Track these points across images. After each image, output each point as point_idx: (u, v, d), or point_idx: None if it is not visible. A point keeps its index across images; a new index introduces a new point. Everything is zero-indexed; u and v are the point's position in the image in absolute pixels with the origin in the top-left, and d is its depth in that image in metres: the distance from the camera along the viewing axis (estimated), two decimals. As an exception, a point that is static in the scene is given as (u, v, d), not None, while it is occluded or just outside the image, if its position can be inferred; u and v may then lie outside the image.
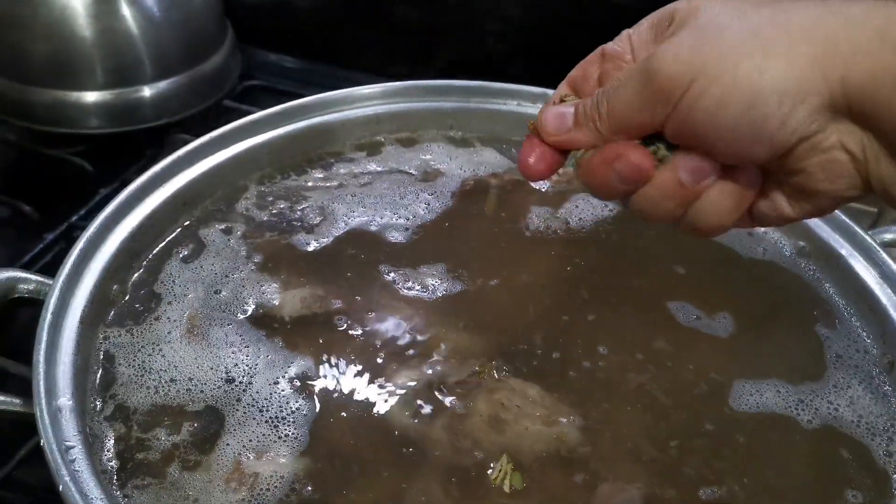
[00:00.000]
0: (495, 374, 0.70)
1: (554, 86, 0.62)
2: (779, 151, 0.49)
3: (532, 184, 0.92)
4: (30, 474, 0.80)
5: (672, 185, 0.51)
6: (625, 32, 0.58)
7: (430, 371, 0.70)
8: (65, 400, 0.60)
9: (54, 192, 1.15)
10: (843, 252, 0.82)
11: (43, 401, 0.58)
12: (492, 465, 0.63)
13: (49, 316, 0.64)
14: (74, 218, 1.07)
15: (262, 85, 1.37)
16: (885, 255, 0.80)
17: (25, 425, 0.84)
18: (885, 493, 0.65)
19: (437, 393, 0.69)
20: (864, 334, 0.77)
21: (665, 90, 0.48)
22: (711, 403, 0.70)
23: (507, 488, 0.62)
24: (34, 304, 0.96)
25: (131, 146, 1.19)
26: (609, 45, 0.58)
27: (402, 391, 0.69)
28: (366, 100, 0.96)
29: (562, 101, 0.58)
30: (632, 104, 0.51)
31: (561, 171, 0.92)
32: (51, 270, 0.72)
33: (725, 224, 0.53)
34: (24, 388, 0.64)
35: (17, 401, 0.60)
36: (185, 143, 0.85)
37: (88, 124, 1.18)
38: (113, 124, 1.19)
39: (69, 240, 1.05)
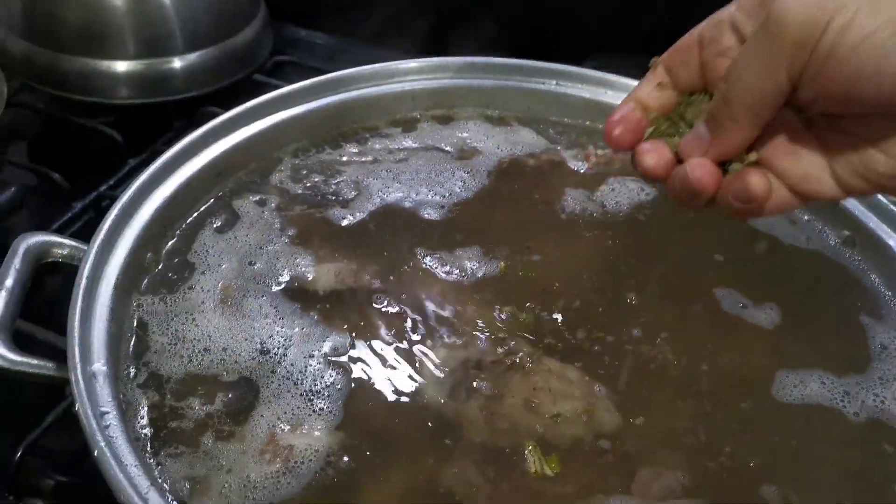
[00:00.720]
0: (532, 356, 0.69)
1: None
2: None
3: (570, 165, 0.90)
4: (57, 441, 0.80)
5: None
6: (719, 14, 0.55)
7: (465, 350, 0.69)
8: (99, 366, 0.59)
9: (84, 161, 1.14)
10: (892, 242, 0.80)
11: (78, 366, 0.57)
12: (526, 452, 0.62)
13: (84, 280, 0.63)
14: (103, 188, 1.06)
15: (293, 61, 1.36)
16: (935, 247, 0.78)
17: (53, 392, 0.86)
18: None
19: (472, 373, 0.67)
20: (910, 326, 0.76)
21: (798, 39, 0.45)
22: (754, 393, 0.68)
23: (547, 471, 0.61)
24: (66, 269, 0.96)
25: (161, 118, 1.18)
26: (705, 29, 0.56)
27: (437, 370, 0.67)
28: (402, 75, 0.94)
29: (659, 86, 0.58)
30: (760, 71, 0.48)
31: (600, 152, 0.92)
32: (79, 239, 0.71)
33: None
34: (51, 354, 0.63)
35: (50, 365, 0.60)
36: (215, 117, 0.84)
37: (119, 94, 1.18)
38: (143, 95, 1.18)
39: (98, 209, 1.04)
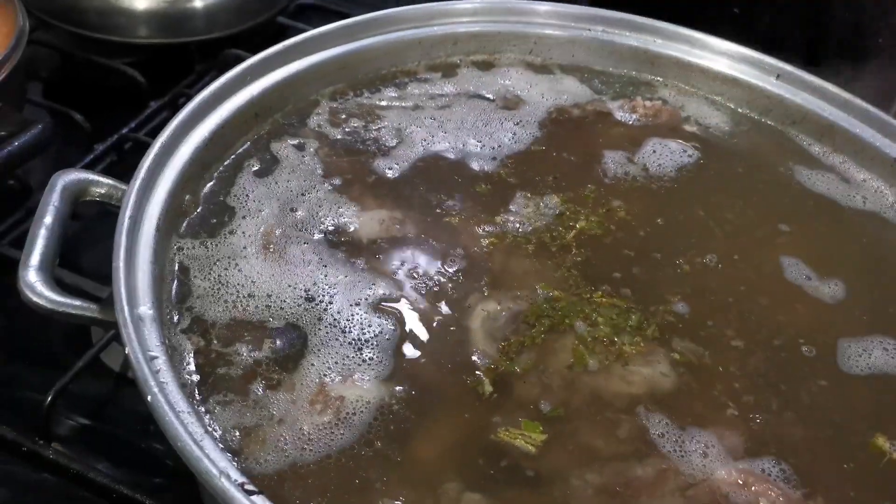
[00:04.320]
0: (587, 313, 0.66)
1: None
2: None
3: (617, 116, 0.87)
4: (82, 388, 0.78)
5: None
6: None
7: (515, 303, 0.66)
8: (145, 309, 0.56)
9: (104, 102, 1.10)
10: (951, 200, 0.78)
11: (126, 308, 0.54)
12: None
13: (126, 220, 0.60)
14: (125, 130, 1.02)
15: (316, 4, 1.31)
16: None
17: (77, 339, 0.83)
18: None
19: (523, 326, 0.65)
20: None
21: None
22: (816, 360, 0.65)
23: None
24: (86, 216, 0.93)
25: (182, 60, 1.14)
26: None
27: (488, 322, 0.65)
28: (443, 17, 0.90)
29: None
30: None
31: (648, 104, 0.89)
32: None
33: None
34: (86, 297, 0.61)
35: (94, 307, 0.57)
36: (239, 59, 0.80)
37: (138, 33, 1.13)
38: (163, 35, 1.14)
39: (120, 151, 1.01)
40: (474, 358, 0.62)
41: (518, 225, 0.73)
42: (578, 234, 0.72)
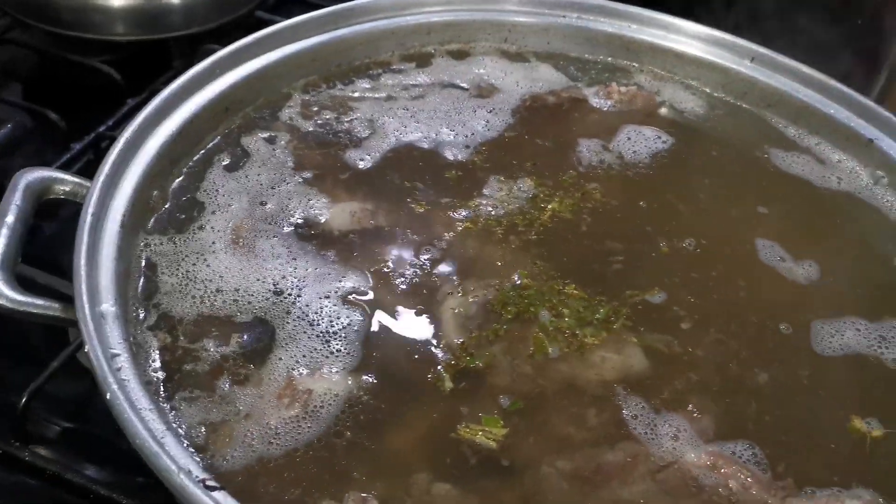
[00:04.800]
0: (558, 299, 0.66)
1: None
2: None
3: (593, 102, 0.86)
4: (60, 388, 0.78)
5: None
6: None
7: (486, 291, 0.66)
8: (108, 306, 0.56)
9: (81, 100, 1.09)
10: (927, 182, 0.77)
11: (86, 305, 0.54)
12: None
13: (89, 217, 0.59)
14: (102, 128, 1.01)
15: (296, -3, 1.30)
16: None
17: (56, 338, 0.83)
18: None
19: (493, 315, 0.64)
20: (946, 270, 0.73)
21: None
22: (790, 343, 0.65)
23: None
24: (64, 215, 0.93)
25: (160, 56, 1.13)
26: None
27: (457, 311, 0.64)
28: (416, 7, 0.89)
29: None
30: None
31: (623, 89, 0.88)
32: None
33: None
34: (54, 298, 0.60)
35: (56, 305, 0.57)
36: (217, 54, 0.80)
37: (115, 31, 1.12)
38: (140, 31, 1.13)
39: (97, 150, 1.00)
40: (438, 352, 0.62)
41: (491, 209, 0.73)
42: (552, 216, 0.72)
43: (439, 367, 0.60)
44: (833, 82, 0.82)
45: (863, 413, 0.61)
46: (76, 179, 0.64)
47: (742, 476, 0.55)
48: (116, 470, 0.74)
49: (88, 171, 0.86)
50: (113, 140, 0.99)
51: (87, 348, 0.51)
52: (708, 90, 0.88)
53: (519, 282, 0.66)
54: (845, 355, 0.64)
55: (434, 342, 0.62)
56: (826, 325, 0.66)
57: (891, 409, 0.61)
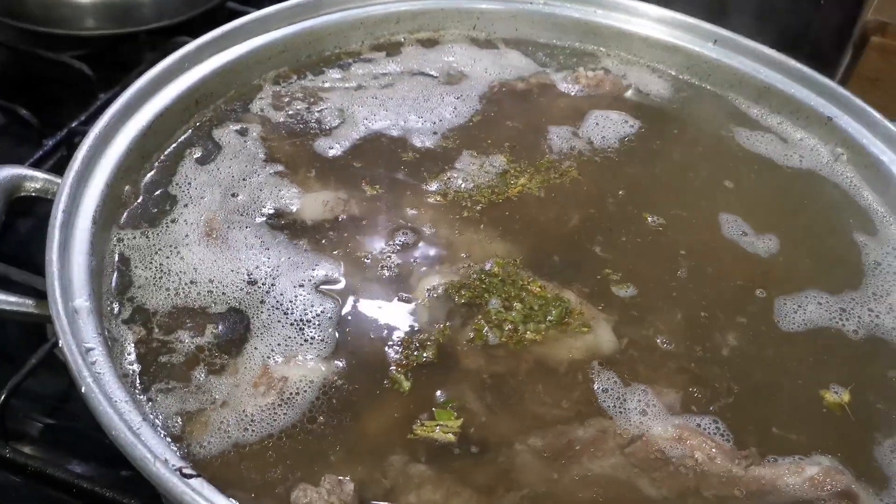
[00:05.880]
0: (528, 281, 0.67)
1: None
2: None
3: (561, 87, 0.88)
4: (40, 384, 0.78)
5: None
6: None
7: (458, 276, 0.67)
8: (81, 301, 0.57)
9: (53, 96, 1.09)
10: (885, 159, 0.79)
11: (59, 301, 0.54)
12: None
13: (60, 214, 0.60)
14: (75, 123, 1.01)
15: (267, -13, 1.30)
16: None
17: (35, 335, 0.83)
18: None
19: (465, 298, 0.66)
20: (904, 242, 0.75)
21: None
22: (755, 317, 0.67)
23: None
24: (39, 212, 0.93)
25: (132, 50, 1.13)
26: None
27: (431, 295, 0.66)
28: (385, -4, 0.90)
29: None
30: None
31: (591, 74, 0.89)
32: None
33: None
34: (33, 294, 0.61)
35: (30, 302, 0.57)
36: (188, 47, 0.80)
37: (85, 25, 1.12)
38: (111, 25, 1.12)
39: (70, 146, 1.00)
40: (418, 331, 0.63)
41: (461, 199, 0.74)
42: (521, 191, 0.73)
43: (392, 369, 0.60)
44: (793, 62, 0.84)
45: (824, 383, 0.63)
46: (47, 176, 0.65)
47: (707, 447, 0.57)
48: (100, 464, 0.75)
49: (62, 167, 0.86)
50: (85, 134, 1.00)
51: (61, 343, 0.52)
52: (673, 72, 0.90)
53: (490, 268, 0.67)
54: (808, 329, 0.66)
55: (408, 324, 0.63)
56: (789, 300, 0.68)
57: (852, 378, 0.63)
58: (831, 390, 0.63)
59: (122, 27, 1.12)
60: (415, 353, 0.61)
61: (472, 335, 0.63)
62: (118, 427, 0.48)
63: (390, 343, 0.62)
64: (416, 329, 0.63)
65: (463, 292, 0.65)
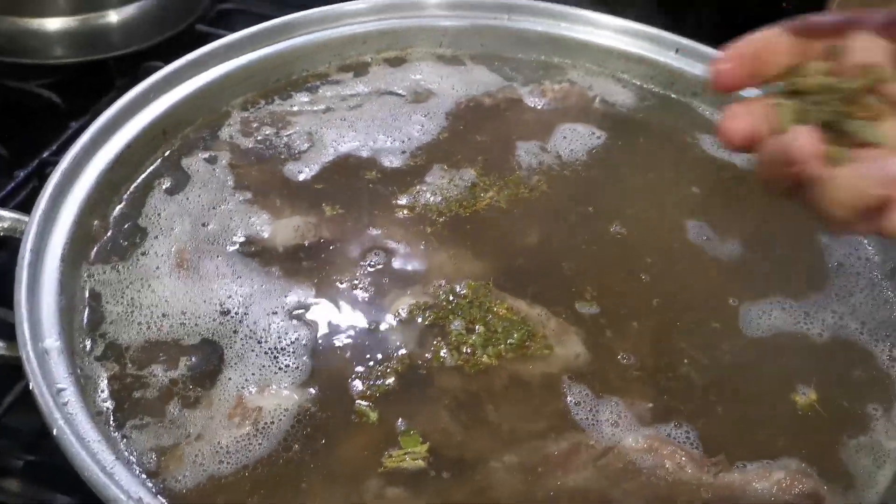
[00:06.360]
0: (497, 298, 0.68)
1: None
2: None
3: (528, 101, 0.89)
4: (19, 420, 0.78)
5: None
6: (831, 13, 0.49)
7: (431, 298, 0.68)
8: (51, 341, 0.57)
9: (22, 127, 1.09)
10: (849, 162, 0.80)
11: (28, 343, 0.55)
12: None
13: (28, 254, 0.60)
14: (46, 154, 1.01)
15: (237, 8, 1.29)
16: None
17: (12, 370, 0.83)
18: (891, 397, 0.64)
19: (440, 320, 0.66)
20: (866, 242, 0.76)
21: None
22: (721, 325, 0.68)
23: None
24: (12, 245, 0.92)
25: (101, 77, 1.13)
26: (810, 22, 0.48)
27: (404, 318, 0.66)
28: (351, 17, 0.90)
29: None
30: None
31: (557, 87, 0.90)
32: (24, 210, 0.68)
33: None
34: (5, 333, 0.61)
35: (0, 344, 0.57)
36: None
37: (53, 54, 1.11)
38: (79, 53, 1.12)
39: (42, 177, 0.99)
40: (392, 355, 0.63)
41: (431, 219, 0.74)
42: (489, 224, 0.74)
43: (358, 402, 0.60)
44: (755, 68, 0.85)
45: (791, 387, 0.64)
46: (14, 215, 0.65)
47: (677, 456, 0.58)
48: (85, 497, 0.75)
49: (34, 199, 0.87)
50: (57, 165, 1.00)
51: (31, 386, 0.52)
52: (637, 82, 0.91)
53: (460, 290, 0.68)
54: (773, 335, 0.67)
55: (382, 348, 0.64)
56: (754, 306, 0.69)
57: (818, 380, 0.64)
58: (799, 393, 0.64)
59: (90, 55, 1.12)
60: (377, 383, 0.62)
61: (429, 356, 0.63)
62: (90, 468, 0.49)
63: (356, 372, 0.62)
64: (380, 356, 0.63)
65: (428, 314, 0.66)
